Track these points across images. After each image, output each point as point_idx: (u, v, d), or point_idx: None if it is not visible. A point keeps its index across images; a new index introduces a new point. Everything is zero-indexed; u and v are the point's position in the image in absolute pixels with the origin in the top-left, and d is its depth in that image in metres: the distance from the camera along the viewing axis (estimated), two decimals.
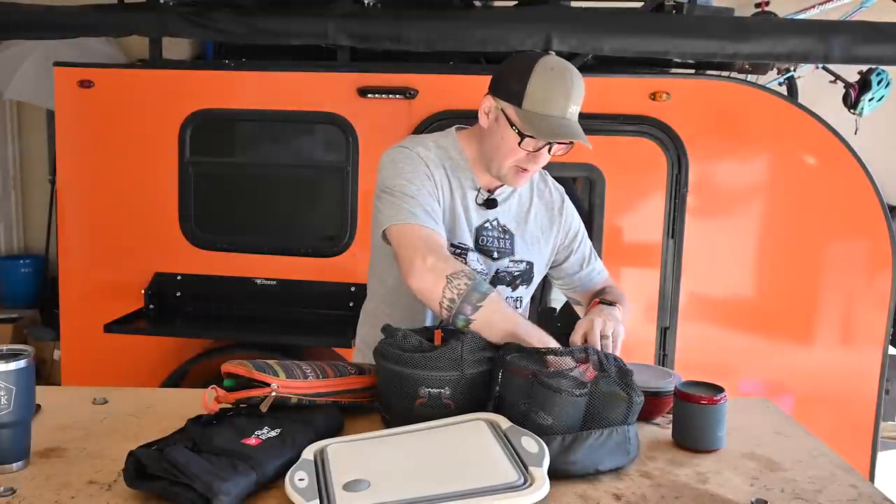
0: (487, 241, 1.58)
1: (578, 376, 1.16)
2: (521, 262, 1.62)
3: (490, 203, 1.59)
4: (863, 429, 2.90)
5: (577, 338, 1.44)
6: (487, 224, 1.59)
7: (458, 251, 1.54)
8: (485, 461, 1.05)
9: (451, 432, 1.15)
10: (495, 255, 1.59)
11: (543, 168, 1.69)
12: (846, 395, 2.93)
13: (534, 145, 1.47)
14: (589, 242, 1.77)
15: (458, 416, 1.20)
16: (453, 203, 1.56)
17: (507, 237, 1.61)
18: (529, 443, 1.07)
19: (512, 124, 1.46)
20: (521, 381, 1.19)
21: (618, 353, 1.44)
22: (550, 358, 1.20)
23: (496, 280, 1.59)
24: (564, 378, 1.14)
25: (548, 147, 1.48)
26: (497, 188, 1.61)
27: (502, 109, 1.48)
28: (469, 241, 1.57)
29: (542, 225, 1.67)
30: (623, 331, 1.48)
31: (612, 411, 1.14)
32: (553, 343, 1.30)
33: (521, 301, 1.66)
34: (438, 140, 1.61)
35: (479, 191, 1.59)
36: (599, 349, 1.40)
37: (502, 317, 1.34)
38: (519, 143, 1.46)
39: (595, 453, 1.11)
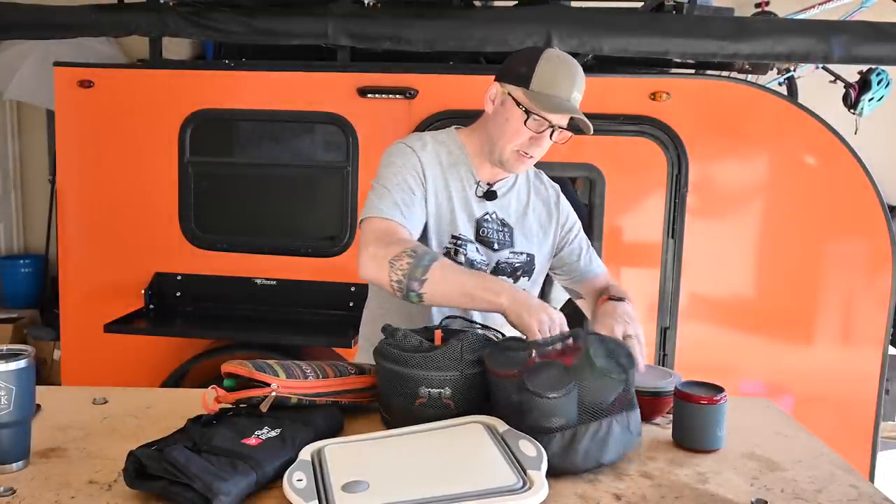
0: (488, 233, 1.61)
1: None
2: (521, 253, 1.65)
3: (490, 195, 1.63)
4: (863, 429, 2.90)
5: None
6: (487, 216, 1.62)
7: (459, 242, 1.57)
8: (484, 464, 1.05)
9: (448, 435, 1.15)
10: (496, 245, 1.62)
11: (539, 169, 1.74)
12: (846, 395, 2.92)
13: (537, 126, 1.51)
14: (585, 237, 1.80)
15: (456, 418, 1.20)
16: (453, 195, 1.58)
17: (506, 230, 1.64)
18: (527, 446, 1.06)
19: (519, 104, 1.50)
20: (502, 381, 1.18)
21: (643, 352, 1.42)
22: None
23: (497, 271, 1.61)
24: (549, 373, 1.12)
25: (550, 132, 1.52)
26: (497, 182, 1.64)
27: (509, 93, 1.53)
28: (470, 233, 1.60)
29: (540, 220, 1.71)
30: (641, 329, 1.47)
31: (606, 395, 1.12)
32: (510, 287, 1.39)
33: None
34: (437, 136, 1.65)
35: (478, 184, 1.62)
36: None
37: (451, 282, 1.38)
38: (525, 122, 1.50)
39: (595, 447, 1.10)
